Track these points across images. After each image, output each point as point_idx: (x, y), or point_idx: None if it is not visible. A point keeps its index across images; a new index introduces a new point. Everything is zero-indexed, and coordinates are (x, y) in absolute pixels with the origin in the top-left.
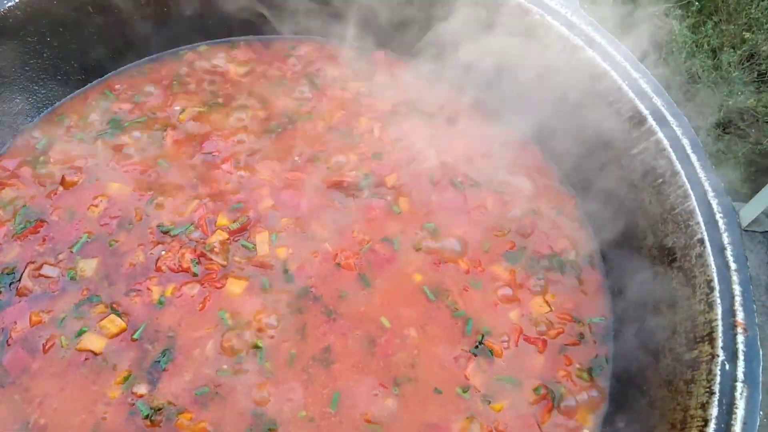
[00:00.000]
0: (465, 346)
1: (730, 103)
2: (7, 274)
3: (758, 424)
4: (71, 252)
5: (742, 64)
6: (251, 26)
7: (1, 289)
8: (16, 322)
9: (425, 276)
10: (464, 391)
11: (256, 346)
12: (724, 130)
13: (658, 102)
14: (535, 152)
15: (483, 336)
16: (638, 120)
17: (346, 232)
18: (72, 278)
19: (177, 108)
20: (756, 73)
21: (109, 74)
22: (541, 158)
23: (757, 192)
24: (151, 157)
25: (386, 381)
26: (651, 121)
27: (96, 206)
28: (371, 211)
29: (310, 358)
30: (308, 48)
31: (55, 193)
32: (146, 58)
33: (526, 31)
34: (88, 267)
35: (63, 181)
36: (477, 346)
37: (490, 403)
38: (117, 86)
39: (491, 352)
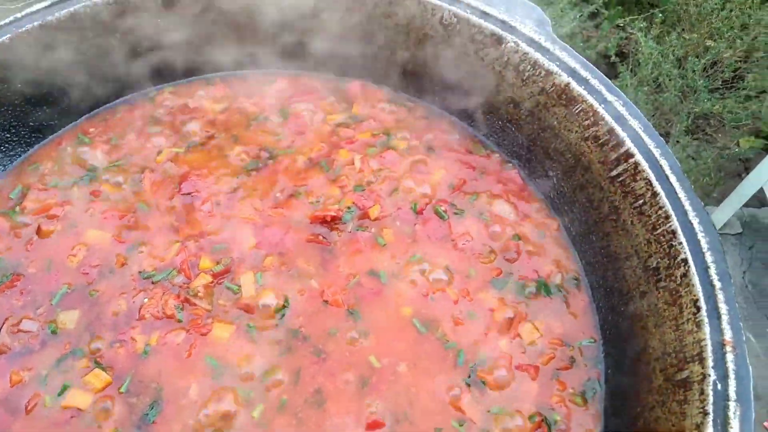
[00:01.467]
0: (458, 377)
1: (697, 110)
2: None
3: None
4: (51, 304)
5: (707, 72)
6: (226, 62)
7: None
8: None
9: (414, 308)
10: (460, 425)
11: (245, 393)
12: (692, 136)
13: (634, 124)
14: (516, 177)
15: (475, 366)
16: (615, 143)
17: (331, 268)
18: (53, 332)
19: (153, 149)
20: (720, 80)
21: (83, 118)
22: (522, 183)
23: (727, 196)
24: (129, 201)
25: (382, 419)
26: (629, 143)
27: (74, 255)
28: (356, 245)
29: (301, 402)
30: (284, 82)
31: (32, 244)
32: (120, 99)
33: (504, 57)
34: (69, 319)
35: (39, 231)
36: (470, 377)
37: None
38: (91, 130)
39: (484, 382)
